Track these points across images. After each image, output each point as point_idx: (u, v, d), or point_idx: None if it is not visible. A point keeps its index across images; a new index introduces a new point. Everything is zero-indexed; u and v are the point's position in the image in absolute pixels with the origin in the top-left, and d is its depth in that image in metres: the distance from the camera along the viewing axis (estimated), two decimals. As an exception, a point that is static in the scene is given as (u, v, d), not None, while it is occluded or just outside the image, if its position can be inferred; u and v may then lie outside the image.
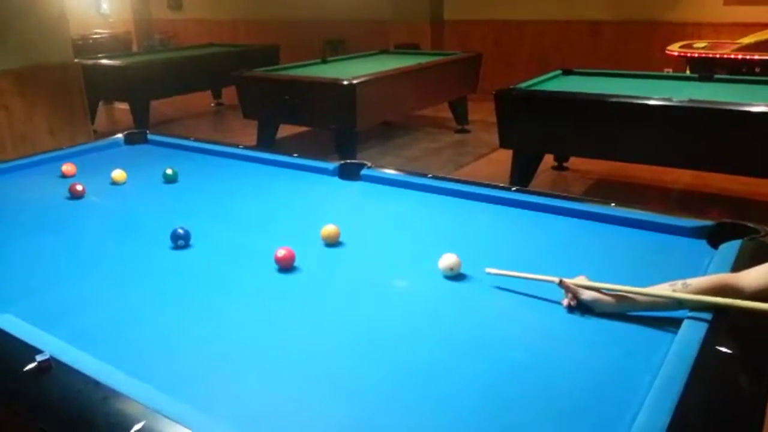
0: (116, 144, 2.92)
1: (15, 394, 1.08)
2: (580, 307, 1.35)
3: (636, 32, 7.16)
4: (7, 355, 1.17)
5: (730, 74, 4.77)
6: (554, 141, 4.23)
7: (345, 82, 4.86)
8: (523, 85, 4.38)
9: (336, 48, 8.75)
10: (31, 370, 1.09)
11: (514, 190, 2.10)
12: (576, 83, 4.60)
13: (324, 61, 6.43)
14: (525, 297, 1.44)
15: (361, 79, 4.96)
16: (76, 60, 4.88)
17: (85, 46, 8.83)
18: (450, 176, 2.33)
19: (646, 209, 1.86)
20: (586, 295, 1.34)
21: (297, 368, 1.19)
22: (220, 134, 6.93)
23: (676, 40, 6.11)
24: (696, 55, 5.52)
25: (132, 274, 1.61)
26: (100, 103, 6.97)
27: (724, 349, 1.12)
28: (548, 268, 1.46)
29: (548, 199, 2.01)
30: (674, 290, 1.26)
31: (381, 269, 1.63)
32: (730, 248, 1.57)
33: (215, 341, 1.29)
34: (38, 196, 2.25)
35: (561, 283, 1.37)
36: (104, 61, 6.73)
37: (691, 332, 1.18)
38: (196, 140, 2.91)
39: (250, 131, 5.85)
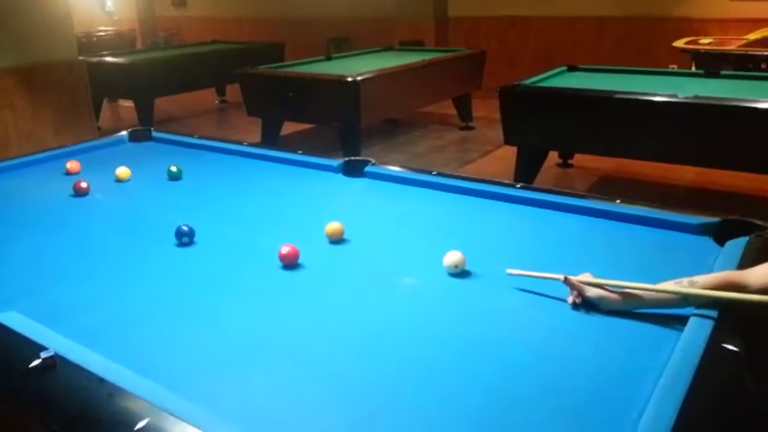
0: (120, 141, 2.92)
1: (20, 390, 1.08)
2: (586, 305, 1.35)
3: (641, 28, 7.13)
4: (12, 352, 1.18)
5: (736, 70, 4.74)
6: (559, 138, 4.21)
7: (349, 79, 4.85)
8: (527, 81, 4.36)
9: (340, 45, 8.74)
10: (35, 366, 1.09)
11: (519, 187, 2.09)
12: (581, 80, 4.58)
13: (328, 58, 6.42)
14: (530, 294, 1.43)
15: (366, 76, 4.95)
16: (80, 57, 4.89)
17: (90, 44, 8.84)
18: (454, 173, 2.32)
19: (651, 206, 1.85)
20: (592, 292, 1.34)
21: (301, 366, 1.19)
22: (224, 131, 6.93)
23: (682, 36, 6.07)
24: (702, 51, 5.48)
25: (136, 272, 1.61)
26: (105, 101, 6.98)
27: (730, 347, 1.12)
28: (553, 265, 1.45)
29: (553, 196, 2.00)
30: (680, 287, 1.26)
31: (385, 266, 1.62)
32: (737, 245, 1.56)
33: (219, 338, 1.29)
34: (43, 194, 2.26)
35: (566, 281, 1.36)
36: (109, 59, 6.74)
37: (697, 330, 1.18)
38: (200, 137, 2.91)
39: (254, 128, 5.86)
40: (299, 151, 2.58)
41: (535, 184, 3.54)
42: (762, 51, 5.21)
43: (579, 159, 5.15)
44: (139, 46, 10.58)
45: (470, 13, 8.22)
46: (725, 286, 1.23)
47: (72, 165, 2.45)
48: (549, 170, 4.86)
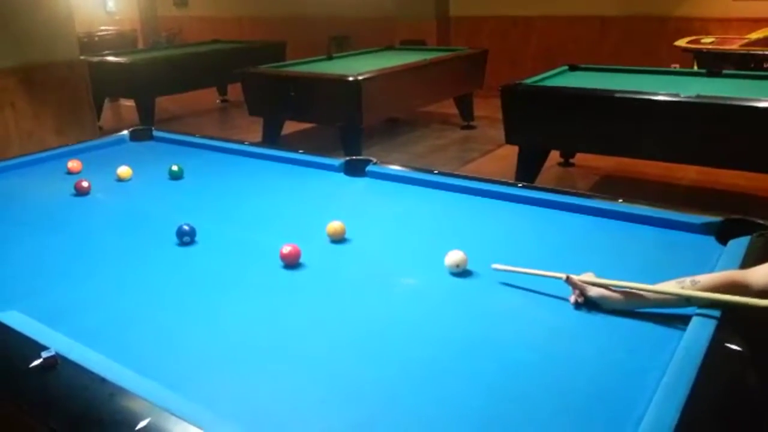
0: (122, 141, 2.92)
1: (21, 390, 1.08)
2: (588, 304, 1.35)
3: (643, 28, 7.12)
4: (13, 351, 1.17)
5: (738, 70, 4.73)
6: (560, 137, 4.21)
7: (350, 79, 4.85)
8: (529, 80, 4.35)
9: (342, 44, 8.73)
10: (36, 366, 1.09)
11: (521, 187, 2.09)
12: (582, 79, 4.57)
13: (329, 58, 6.42)
14: (532, 294, 1.43)
15: (367, 76, 4.95)
16: (82, 57, 4.89)
17: (91, 44, 8.84)
18: (456, 172, 2.32)
19: (653, 205, 1.85)
20: (594, 291, 1.33)
21: (302, 365, 1.19)
22: (226, 131, 6.93)
23: (684, 36, 6.06)
24: (704, 50, 5.47)
25: (137, 271, 1.61)
26: (106, 100, 6.98)
27: (732, 347, 1.11)
28: (555, 264, 1.45)
29: (555, 195, 2.00)
30: (682, 287, 1.25)
31: (387, 266, 1.62)
32: (739, 244, 1.56)
33: (220, 338, 1.29)
34: (44, 193, 2.26)
35: (568, 280, 1.36)
36: (110, 59, 6.74)
37: (700, 329, 1.17)
38: (201, 137, 2.91)
39: (255, 128, 5.86)
40: (300, 151, 2.58)
41: (536, 184, 3.53)
42: (764, 50, 5.20)
43: (580, 158, 5.15)
44: (140, 45, 10.58)
45: (472, 12, 8.21)
46: (727, 285, 1.23)
47: (73, 164, 2.45)
48: (550, 169, 4.86)
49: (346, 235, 1.76)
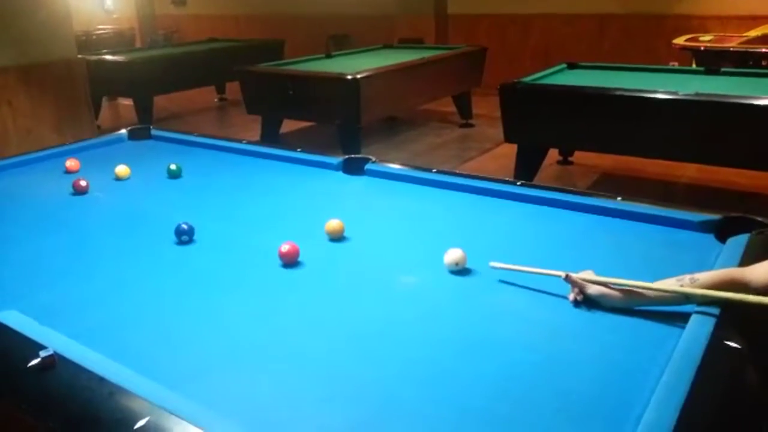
0: (120, 139, 2.92)
1: (19, 389, 1.07)
2: (587, 302, 1.35)
3: (641, 25, 7.12)
4: (11, 351, 1.17)
5: (737, 67, 4.73)
6: (559, 135, 4.21)
7: (349, 77, 4.85)
8: (527, 79, 4.35)
9: (340, 43, 8.72)
10: (35, 365, 1.09)
11: (519, 185, 2.08)
12: (581, 77, 4.57)
13: (328, 56, 6.41)
14: (531, 292, 1.43)
15: (365, 74, 4.94)
16: (80, 56, 4.88)
17: (89, 42, 8.84)
18: (454, 171, 2.32)
19: (652, 203, 1.85)
20: (593, 289, 1.33)
21: (301, 365, 1.18)
22: (224, 129, 6.92)
23: (682, 34, 6.06)
24: (702, 48, 5.47)
25: (135, 270, 1.61)
26: (104, 99, 6.97)
27: (732, 345, 1.11)
28: (554, 262, 1.45)
29: (554, 193, 1.99)
30: (682, 285, 1.25)
31: (386, 265, 1.62)
32: (738, 242, 1.55)
33: (219, 337, 1.28)
34: (42, 192, 2.25)
35: (567, 278, 1.36)
36: (108, 57, 6.73)
37: (699, 327, 1.17)
38: (200, 136, 2.90)
39: (253, 126, 5.85)
40: (299, 149, 2.58)
41: (535, 182, 3.53)
42: (762, 48, 5.20)
43: (579, 156, 5.15)
44: (138, 44, 10.58)
45: (470, 10, 8.21)
46: (727, 283, 1.23)
47: (71, 163, 2.45)
48: (549, 168, 4.86)
49: (345, 234, 1.75)
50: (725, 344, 1.11)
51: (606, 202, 1.89)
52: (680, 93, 3.60)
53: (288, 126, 5.94)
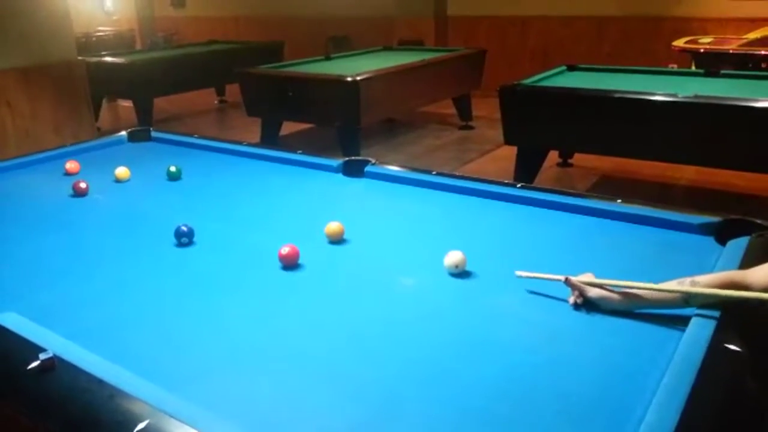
0: (120, 141, 2.91)
1: (19, 392, 1.07)
2: (587, 305, 1.34)
3: (641, 28, 7.12)
4: (10, 353, 1.17)
5: (736, 70, 4.74)
6: (559, 137, 4.21)
7: (349, 79, 4.85)
8: (527, 81, 4.35)
9: (340, 44, 8.73)
10: (34, 368, 1.09)
11: (519, 187, 2.08)
12: (580, 79, 4.57)
13: (328, 58, 6.41)
14: (531, 295, 1.43)
15: (365, 76, 4.95)
16: (79, 58, 4.88)
17: (89, 44, 8.84)
18: (454, 173, 2.32)
19: (652, 206, 1.85)
20: (593, 292, 1.33)
21: (301, 367, 1.18)
22: (224, 131, 6.92)
23: (682, 36, 6.06)
24: (701, 50, 5.48)
25: (135, 272, 1.61)
26: (104, 101, 6.97)
27: (732, 347, 1.11)
28: (554, 264, 1.45)
29: (553, 195, 1.99)
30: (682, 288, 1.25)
31: (385, 267, 1.62)
32: (738, 245, 1.55)
33: (219, 339, 1.28)
34: (42, 194, 2.25)
35: (567, 281, 1.36)
36: (108, 59, 6.73)
37: (699, 330, 1.17)
38: (199, 137, 2.90)
39: (253, 128, 5.85)
40: (299, 151, 2.58)
41: (535, 184, 3.53)
42: (762, 50, 5.20)
43: (579, 158, 5.15)
44: (138, 46, 10.58)
45: (470, 12, 8.21)
46: (727, 286, 1.23)
47: (71, 165, 2.44)
48: (549, 170, 4.86)
49: (345, 236, 1.75)
50: (726, 347, 1.11)
51: (605, 204, 1.89)
52: (679, 95, 3.61)
53: (288, 128, 5.94)
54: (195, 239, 1.76)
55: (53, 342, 1.17)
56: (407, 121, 6.94)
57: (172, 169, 2.36)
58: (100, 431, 0.97)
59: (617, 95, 3.81)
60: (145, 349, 1.24)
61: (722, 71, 4.56)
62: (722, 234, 1.66)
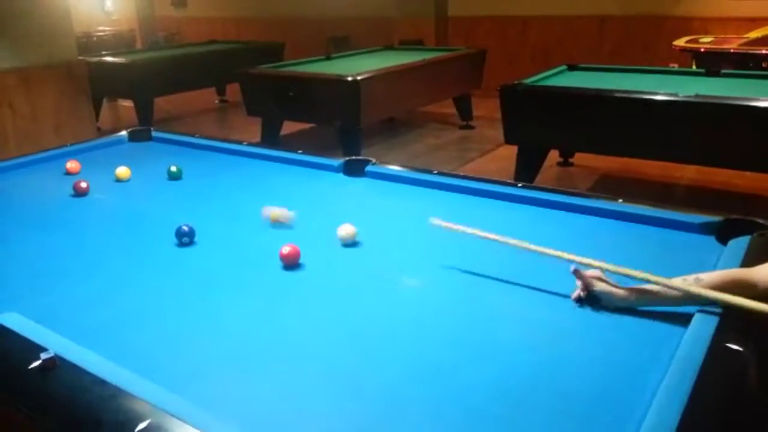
0: (120, 141, 2.92)
1: (20, 392, 1.07)
2: (589, 300, 1.34)
3: (641, 27, 7.12)
4: (12, 353, 1.17)
5: (737, 69, 4.73)
6: (559, 137, 4.21)
7: (349, 79, 4.85)
8: (528, 80, 4.36)
9: (340, 44, 8.73)
10: (35, 368, 1.09)
11: (520, 186, 2.08)
12: (581, 78, 4.57)
13: (328, 58, 6.41)
14: (532, 293, 1.43)
15: (366, 76, 4.95)
16: (80, 58, 4.88)
17: (89, 44, 8.85)
18: (455, 172, 2.32)
19: (653, 205, 1.85)
20: (599, 287, 1.33)
21: (302, 366, 1.18)
22: (224, 131, 6.93)
23: (682, 35, 6.06)
24: (702, 49, 5.48)
25: (136, 272, 1.61)
26: (104, 101, 6.97)
27: (734, 347, 1.11)
28: (555, 263, 1.44)
29: (554, 195, 1.99)
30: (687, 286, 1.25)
31: (387, 266, 1.62)
32: (739, 244, 1.55)
33: (220, 339, 1.28)
34: (42, 194, 2.25)
35: (575, 272, 1.35)
36: (108, 59, 6.73)
37: (701, 329, 1.17)
38: (200, 137, 2.90)
39: (254, 128, 5.85)
40: (300, 151, 2.58)
41: (535, 184, 3.53)
42: (763, 49, 5.20)
43: (579, 158, 5.15)
44: (138, 46, 10.58)
45: (470, 12, 8.21)
46: (733, 283, 1.23)
47: (72, 165, 2.45)
48: (549, 169, 4.86)
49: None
50: (728, 345, 1.11)
51: (606, 204, 1.89)
52: (680, 95, 3.61)
53: (288, 128, 5.94)
54: (196, 239, 1.76)
55: (54, 341, 1.17)
56: (408, 121, 6.94)
57: (173, 168, 2.36)
58: (102, 431, 0.97)
59: (618, 95, 3.81)
60: (147, 348, 1.24)
61: (723, 71, 4.56)
62: (723, 233, 1.66)
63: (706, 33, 6.34)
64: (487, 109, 6.52)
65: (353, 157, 2.42)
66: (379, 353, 1.22)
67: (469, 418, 1.03)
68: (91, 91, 4.93)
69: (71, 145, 2.83)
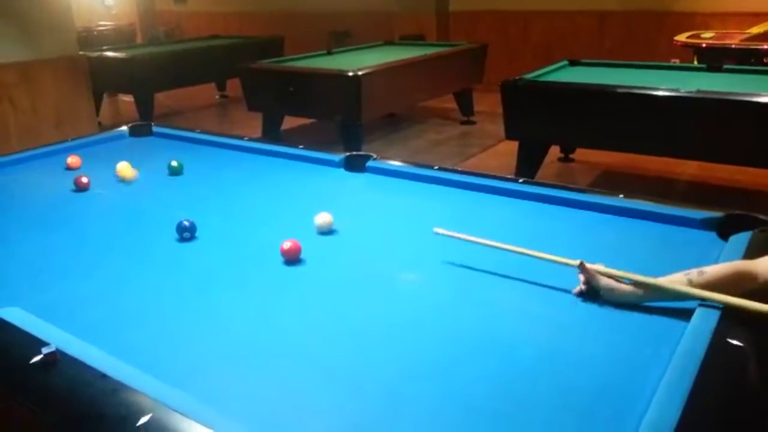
0: (121, 136, 2.91)
1: (21, 386, 1.08)
2: (591, 295, 1.34)
3: (643, 22, 7.10)
4: (13, 347, 1.17)
5: (739, 64, 4.72)
6: (560, 132, 4.20)
7: (350, 74, 4.84)
8: (529, 75, 4.35)
9: (341, 39, 8.71)
10: (37, 362, 1.09)
11: (521, 182, 2.08)
12: (582, 74, 4.56)
13: (329, 53, 6.40)
14: (533, 288, 1.43)
15: (367, 71, 4.94)
16: (80, 52, 4.87)
17: (90, 39, 8.83)
18: (456, 168, 2.32)
19: (654, 200, 1.85)
20: (603, 282, 1.33)
21: (303, 362, 1.18)
22: (225, 126, 6.92)
23: (684, 31, 6.05)
24: (704, 45, 5.46)
25: (137, 267, 1.61)
26: (105, 95, 6.96)
27: (735, 342, 1.11)
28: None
29: (555, 190, 1.99)
30: (689, 279, 1.25)
31: (388, 262, 1.62)
32: (741, 240, 1.55)
33: (221, 334, 1.29)
34: (43, 189, 2.25)
35: (581, 266, 1.35)
36: (109, 54, 6.72)
37: (702, 323, 1.17)
38: (201, 132, 2.90)
39: (254, 123, 5.84)
40: (300, 146, 2.58)
41: (536, 179, 3.53)
42: (764, 45, 5.19)
43: (580, 153, 5.14)
44: (138, 40, 10.56)
45: (471, 7, 8.19)
46: (735, 276, 1.23)
47: (73, 160, 2.45)
48: (550, 165, 4.85)
49: (347, 231, 1.75)
50: (729, 341, 1.11)
51: (607, 199, 1.89)
52: (682, 90, 3.60)
53: (289, 123, 5.94)
54: (197, 234, 1.76)
55: (56, 336, 1.17)
56: (409, 116, 6.93)
57: (174, 164, 2.36)
58: (105, 425, 0.97)
59: (619, 90, 3.80)
60: (148, 343, 1.25)
61: (725, 66, 4.54)
62: (724, 229, 1.65)
63: (708, 28, 6.32)
64: (488, 104, 6.50)
65: (354, 153, 2.42)
66: (379, 348, 1.23)
67: (469, 415, 1.03)
68: (92, 86, 4.93)
69: (72, 140, 2.84)
